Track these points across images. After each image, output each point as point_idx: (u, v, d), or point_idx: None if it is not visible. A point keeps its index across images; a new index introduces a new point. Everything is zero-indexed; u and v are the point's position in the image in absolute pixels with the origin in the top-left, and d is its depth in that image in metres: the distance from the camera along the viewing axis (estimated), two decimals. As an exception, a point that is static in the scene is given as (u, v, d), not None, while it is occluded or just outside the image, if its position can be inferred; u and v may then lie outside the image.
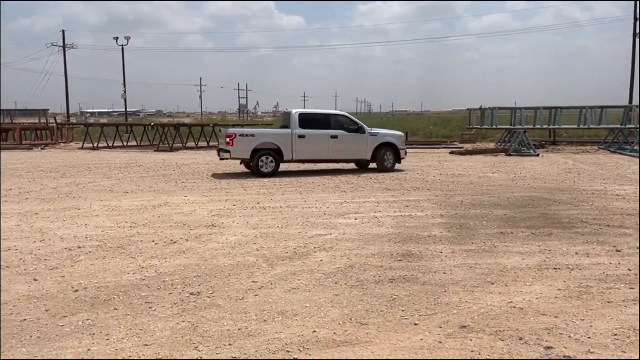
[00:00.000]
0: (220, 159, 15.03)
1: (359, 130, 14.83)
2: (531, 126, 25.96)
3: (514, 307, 4.42)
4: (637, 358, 3.57)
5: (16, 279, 5.29)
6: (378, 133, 15.15)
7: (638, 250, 6.26)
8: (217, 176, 14.23)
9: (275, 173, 14.17)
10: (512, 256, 6.02)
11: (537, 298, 4.65)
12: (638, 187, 11.55)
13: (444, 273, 5.40)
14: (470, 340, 3.80)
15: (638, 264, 5.72)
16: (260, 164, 14.11)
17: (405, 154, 15.80)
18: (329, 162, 15.46)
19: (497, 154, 21.73)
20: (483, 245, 6.53)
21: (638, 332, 3.94)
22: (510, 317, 4.21)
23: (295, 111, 14.76)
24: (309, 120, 14.53)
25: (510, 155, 20.97)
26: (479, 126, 28.72)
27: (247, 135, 14.50)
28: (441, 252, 6.19)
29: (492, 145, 26.30)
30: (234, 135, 14.36)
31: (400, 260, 5.88)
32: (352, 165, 16.01)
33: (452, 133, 35.04)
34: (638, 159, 18.66)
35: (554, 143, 26.63)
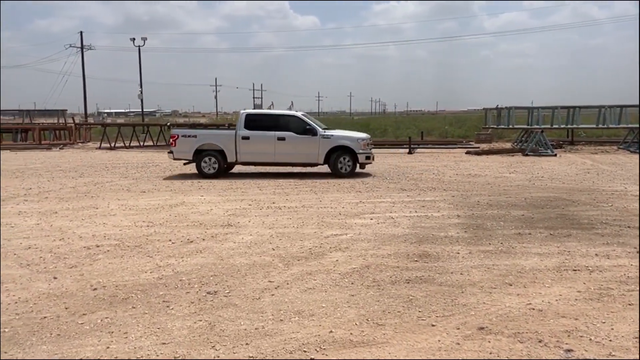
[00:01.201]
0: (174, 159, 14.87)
1: (310, 132, 13.85)
2: (549, 126, 25.64)
3: (533, 309, 4.37)
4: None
5: (37, 277, 5.36)
6: (332, 135, 13.99)
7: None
8: (233, 176, 14.29)
9: (219, 175, 13.94)
10: (531, 257, 5.95)
11: (556, 300, 4.59)
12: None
13: (461, 274, 5.35)
14: (489, 342, 3.77)
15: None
16: (203, 165, 13.99)
17: (368, 158, 14.18)
18: (277, 166, 14.69)
19: (514, 154, 21.52)
20: (500, 246, 6.47)
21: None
22: (529, 319, 4.16)
23: (243, 112, 14.47)
24: (256, 122, 14.02)
25: (527, 155, 20.75)
26: (495, 126, 28.44)
27: (189, 136, 14.27)
28: (458, 253, 6.14)
29: (508, 145, 26.04)
30: (176, 136, 14.29)
31: (416, 260, 5.85)
32: (368, 167, 15.44)
33: (468, 133, 34.76)
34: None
35: (572, 143, 26.26)
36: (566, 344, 3.73)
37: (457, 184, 12.35)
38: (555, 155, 20.60)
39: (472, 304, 4.52)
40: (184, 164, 14.94)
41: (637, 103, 25.11)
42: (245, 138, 13.90)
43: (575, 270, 5.47)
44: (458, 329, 4.01)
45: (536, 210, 8.77)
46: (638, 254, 6.05)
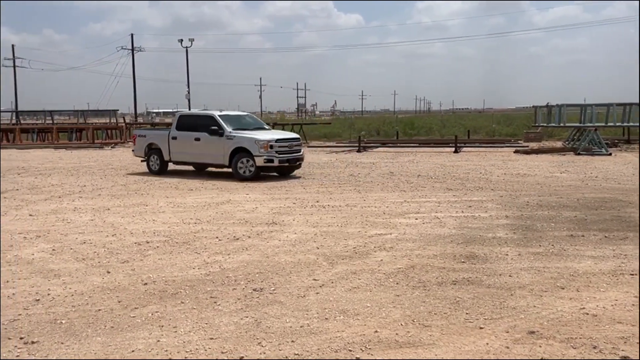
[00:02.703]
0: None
1: (217, 132, 13.48)
2: (603, 124, 24.61)
3: (587, 314, 4.21)
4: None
5: (91, 271, 5.59)
6: (235, 136, 13.34)
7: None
8: (277, 176, 14.42)
9: (162, 172, 14.64)
10: (584, 260, 5.74)
11: (612, 305, 4.41)
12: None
13: (510, 276, 5.22)
14: (540, 346, 3.66)
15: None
16: (150, 162, 14.97)
17: (270, 162, 13.02)
18: (198, 166, 15.00)
19: (565, 153, 20.78)
20: (552, 248, 6.27)
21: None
22: (582, 324, 4.02)
23: (179, 112, 15.14)
24: (186, 122, 14.51)
25: (579, 154, 20.01)
26: (545, 124, 27.53)
27: (141, 135, 15.65)
28: (507, 255, 5.99)
29: (559, 144, 25.17)
30: (135, 136, 16.02)
31: (463, 262, 5.74)
32: (408, 166, 15.47)
33: (517, 131, 33.79)
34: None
35: (628, 142, 25.12)
36: (622, 350, 3.58)
37: (505, 183, 12.04)
38: (610, 154, 19.78)
39: (521, 307, 4.40)
40: (141, 161, 15.63)
41: None
42: (174, 138, 14.52)
43: (632, 274, 5.23)
44: (507, 332, 3.91)
45: (589, 212, 8.44)
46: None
